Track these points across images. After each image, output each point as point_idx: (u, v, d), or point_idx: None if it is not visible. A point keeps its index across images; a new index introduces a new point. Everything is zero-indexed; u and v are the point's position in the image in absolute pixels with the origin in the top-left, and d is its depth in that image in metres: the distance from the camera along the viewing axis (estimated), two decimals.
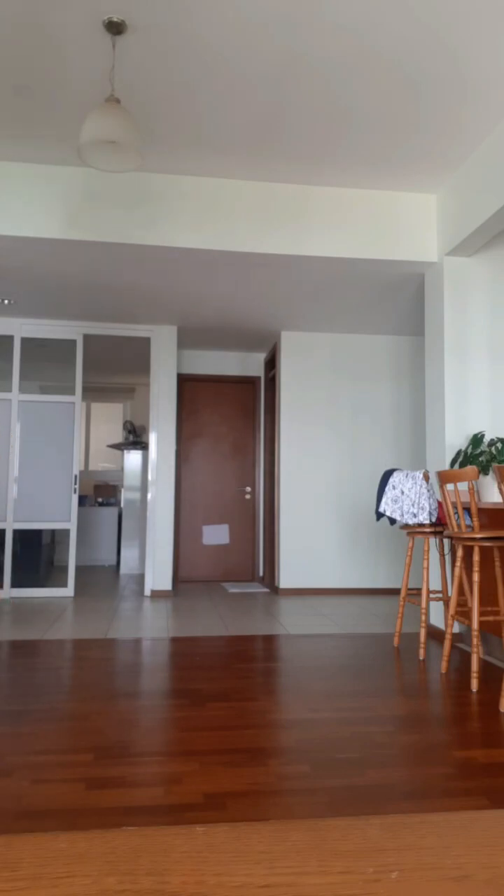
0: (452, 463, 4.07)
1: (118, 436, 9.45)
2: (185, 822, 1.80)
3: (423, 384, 6.64)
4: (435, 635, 4.31)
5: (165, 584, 6.10)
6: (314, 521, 6.35)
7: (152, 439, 6.22)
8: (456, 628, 4.13)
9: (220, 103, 3.45)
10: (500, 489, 2.92)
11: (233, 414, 7.33)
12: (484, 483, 3.82)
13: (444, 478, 3.51)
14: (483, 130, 3.67)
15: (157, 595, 6.06)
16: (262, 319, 6.01)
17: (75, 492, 6.05)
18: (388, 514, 4.03)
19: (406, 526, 4.01)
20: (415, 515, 3.91)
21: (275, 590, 6.40)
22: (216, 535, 7.18)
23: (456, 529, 3.46)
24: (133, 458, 8.04)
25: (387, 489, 4.07)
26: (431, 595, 4.48)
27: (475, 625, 3.17)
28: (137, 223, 4.16)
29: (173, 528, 6.32)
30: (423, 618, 3.80)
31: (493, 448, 4.05)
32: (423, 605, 3.82)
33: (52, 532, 7.19)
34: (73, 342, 6.16)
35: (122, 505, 8.09)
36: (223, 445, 7.29)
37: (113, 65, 2.93)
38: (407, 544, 6.44)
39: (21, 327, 6.06)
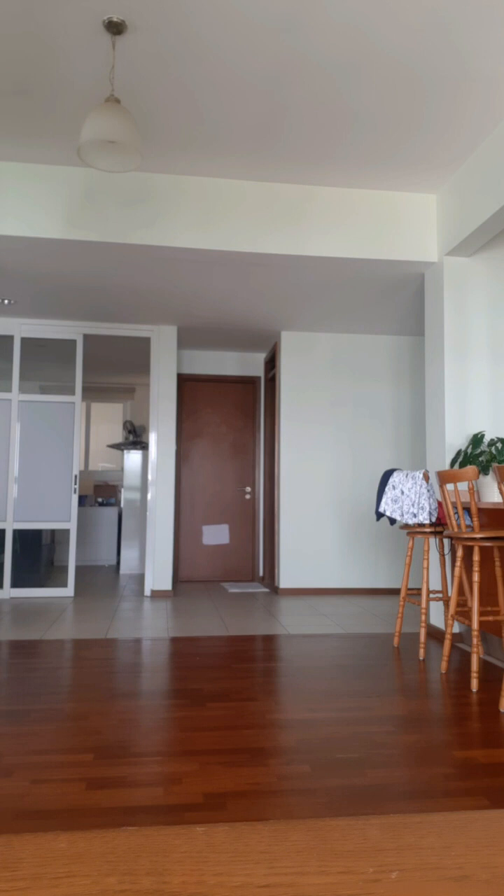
0: (452, 463, 4.07)
1: (118, 436, 9.45)
2: (185, 822, 1.80)
3: (423, 384, 6.64)
4: (435, 635, 4.31)
5: (165, 584, 6.09)
6: (314, 521, 6.35)
7: (152, 439, 6.22)
8: (456, 628, 4.13)
9: (220, 103, 3.45)
10: (500, 489, 2.92)
11: (233, 414, 7.33)
12: (484, 483, 3.82)
13: (444, 478, 3.51)
14: (483, 130, 3.67)
15: (157, 595, 6.06)
16: (262, 319, 6.01)
17: (75, 492, 6.05)
18: (388, 513, 4.03)
19: (406, 526, 4.01)
20: (415, 515, 3.91)
21: (275, 590, 6.40)
22: (216, 535, 7.18)
23: (456, 529, 3.46)
24: (133, 458, 8.04)
25: (387, 489, 4.06)
26: (431, 595, 4.48)
27: (475, 625, 3.17)
28: (137, 223, 4.16)
29: (173, 528, 6.32)
30: (423, 618, 3.80)
31: (493, 448, 4.04)
32: (423, 605, 3.82)
33: (52, 532, 7.19)
34: (73, 342, 6.16)
35: (122, 505, 8.09)
36: (223, 445, 7.29)
37: (113, 65, 2.93)
38: (407, 544, 6.44)
39: (21, 327, 6.06)
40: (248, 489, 7.29)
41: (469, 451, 4.03)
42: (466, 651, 3.88)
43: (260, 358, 7.39)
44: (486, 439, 4.22)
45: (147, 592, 6.11)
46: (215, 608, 5.39)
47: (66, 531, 6.81)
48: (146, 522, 6.41)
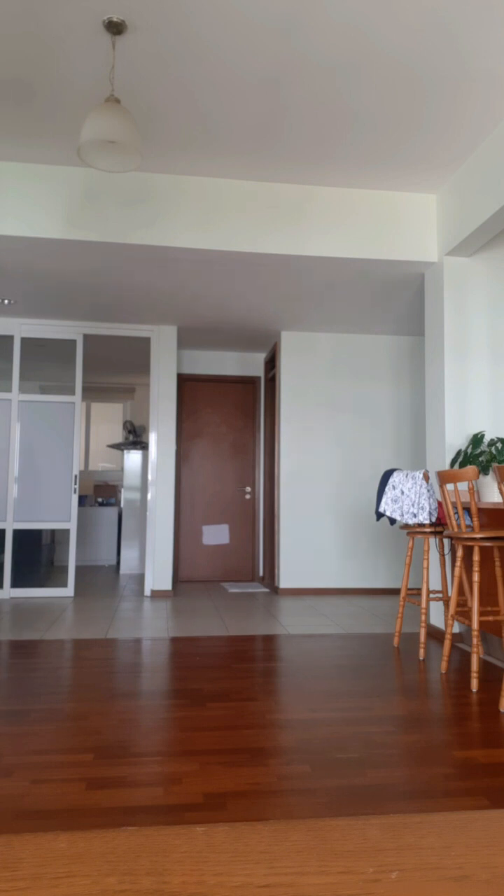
0: (452, 463, 4.07)
1: (118, 436, 9.45)
2: (185, 822, 1.80)
3: (423, 384, 6.64)
4: (435, 635, 4.31)
5: (165, 584, 6.09)
6: (314, 521, 6.34)
7: (152, 439, 6.22)
8: (456, 628, 4.13)
9: (220, 103, 3.45)
10: (500, 489, 2.92)
11: (233, 414, 7.33)
12: (484, 483, 3.82)
13: (444, 478, 3.51)
14: (483, 130, 3.67)
15: (157, 595, 6.06)
16: (262, 319, 6.01)
17: (75, 492, 6.05)
18: (388, 513, 4.02)
19: (406, 526, 4.01)
20: (415, 515, 3.91)
21: (275, 590, 6.40)
22: (216, 534, 7.18)
23: (456, 529, 3.46)
24: (133, 458, 8.04)
25: (387, 489, 4.06)
26: (431, 595, 4.48)
27: (475, 625, 3.17)
28: (137, 223, 4.16)
29: (173, 528, 6.32)
30: (423, 618, 3.80)
31: (493, 448, 4.05)
32: (423, 605, 3.82)
33: (52, 532, 7.19)
34: (73, 342, 6.16)
35: (122, 505, 8.09)
36: (223, 445, 7.29)
37: (113, 65, 2.93)
38: (407, 544, 6.44)
39: (21, 327, 6.06)
40: (248, 489, 7.29)
41: (469, 451, 4.03)
42: (466, 651, 3.88)
43: (260, 358, 7.39)
44: (486, 439, 4.22)
45: (147, 592, 6.11)
46: (215, 608, 5.39)
47: (66, 531, 6.80)
48: (146, 522, 6.41)
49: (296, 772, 2.12)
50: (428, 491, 3.91)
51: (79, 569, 8.15)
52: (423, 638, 3.75)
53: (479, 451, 3.98)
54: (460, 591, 3.96)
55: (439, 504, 3.98)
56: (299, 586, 6.25)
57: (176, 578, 7.10)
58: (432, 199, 4.44)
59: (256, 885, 0.45)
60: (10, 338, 6.08)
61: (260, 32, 2.92)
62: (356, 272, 4.67)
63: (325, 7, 2.77)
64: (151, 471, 6.20)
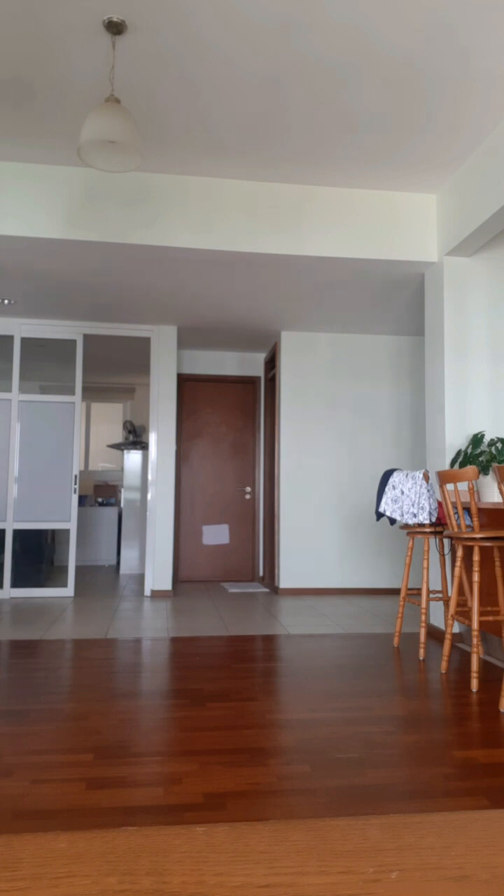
0: (452, 463, 4.07)
1: (118, 436, 9.45)
2: (185, 822, 1.80)
3: (423, 384, 6.64)
4: (435, 635, 4.31)
5: (165, 584, 6.09)
6: (314, 521, 6.34)
7: (152, 439, 6.22)
8: (456, 628, 4.13)
9: (220, 103, 3.45)
10: (500, 489, 2.92)
11: (233, 414, 7.33)
12: (484, 483, 3.82)
13: (444, 478, 3.51)
14: (483, 130, 3.67)
15: (157, 595, 6.06)
16: (262, 319, 6.01)
17: (75, 492, 6.05)
18: (388, 513, 4.02)
19: (406, 526, 4.01)
20: (415, 515, 3.91)
21: (275, 590, 6.40)
22: (216, 534, 7.18)
23: (456, 529, 3.46)
24: (133, 458, 8.04)
25: (387, 489, 4.06)
26: (431, 595, 4.48)
27: (475, 625, 3.17)
28: (137, 223, 4.16)
29: (173, 528, 6.32)
30: (423, 618, 3.80)
31: (493, 448, 4.05)
32: (423, 605, 3.82)
33: (52, 532, 7.19)
34: (73, 342, 6.16)
35: (122, 505, 8.09)
36: (223, 445, 7.29)
37: (113, 65, 2.93)
38: (407, 544, 6.44)
39: (21, 327, 6.06)
40: (248, 489, 7.29)
41: (469, 451, 4.03)
42: (466, 651, 3.88)
43: (260, 358, 7.39)
44: (486, 439, 4.22)
45: (147, 592, 6.11)
46: (215, 608, 5.39)
47: (66, 531, 6.81)
48: (146, 522, 6.41)
49: (296, 772, 2.12)
50: (428, 491, 3.91)
51: (79, 569, 8.15)
52: (423, 638, 3.75)
53: (479, 451, 3.98)
54: (460, 591, 3.96)
55: (439, 504, 3.98)
56: (299, 586, 6.25)
57: (176, 578, 7.10)
58: (432, 199, 4.44)
59: (256, 885, 0.45)
60: (10, 338, 6.07)
61: (260, 32, 2.92)
62: (356, 272, 4.67)
63: (325, 7, 2.77)
64: (151, 471, 6.20)
